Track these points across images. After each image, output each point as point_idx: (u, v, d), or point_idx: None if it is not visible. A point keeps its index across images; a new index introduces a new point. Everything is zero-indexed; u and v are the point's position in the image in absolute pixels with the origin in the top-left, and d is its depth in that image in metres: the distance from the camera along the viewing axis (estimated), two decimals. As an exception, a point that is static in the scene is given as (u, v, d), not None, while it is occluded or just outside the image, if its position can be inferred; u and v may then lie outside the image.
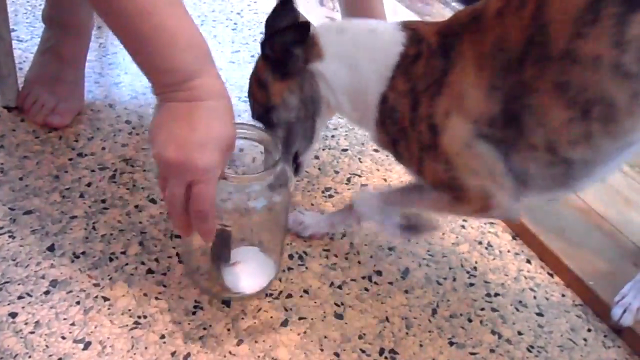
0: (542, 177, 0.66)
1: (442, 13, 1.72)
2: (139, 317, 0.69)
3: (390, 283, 0.80)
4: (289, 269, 0.80)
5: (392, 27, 0.71)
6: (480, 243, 0.90)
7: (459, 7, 1.73)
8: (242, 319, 0.71)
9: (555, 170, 0.64)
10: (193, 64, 0.58)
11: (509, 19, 0.61)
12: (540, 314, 0.80)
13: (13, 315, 0.67)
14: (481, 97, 0.63)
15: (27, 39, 1.22)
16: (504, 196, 0.66)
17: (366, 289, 0.78)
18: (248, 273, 0.73)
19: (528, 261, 0.89)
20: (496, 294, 0.82)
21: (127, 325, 0.68)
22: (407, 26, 0.70)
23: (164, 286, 0.74)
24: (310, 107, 0.74)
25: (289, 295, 0.76)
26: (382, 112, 0.70)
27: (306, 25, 0.69)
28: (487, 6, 0.63)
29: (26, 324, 0.66)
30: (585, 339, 0.77)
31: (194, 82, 0.57)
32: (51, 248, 0.76)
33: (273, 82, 0.73)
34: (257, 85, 0.74)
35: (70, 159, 0.92)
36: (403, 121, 0.68)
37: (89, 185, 0.88)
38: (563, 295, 0.84)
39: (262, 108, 0.75)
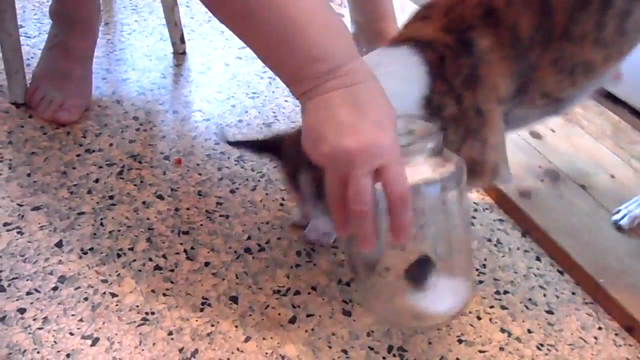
0: (538, 114, 0.81)
1: (451, 8, 1.71)
2: (147, 313, 0.69)
3: (399, 280, 0.80)
4: (297, 265, 0.79)
5: (390, 50, 0.71)
6: (489, 240, 0.90)
7: None
8: (250, 315, 0.71)
9: (549, 107, 0.79)
10: (345, 50, 0.54)
11: (518, 8, 0.68)
12: (550, 312, 0.79)
13: (22, 311, 0.67)
14: (507, 84, 0.71)
15: (35, 35, 1.22)
16: (505, 166, 0.77)
17: (374, 286, 0.78)
18: (443, 292, 0.63)
19: (538, 259, 0.88)
20: (505, 292, 0.81)
21: (134, 322, 0.68)
22: (400, 41, 0.71)
23: (172, 282, 0.73)
24: None
25: (297, 292, 0.75)
26: (428, 110, 0.69)
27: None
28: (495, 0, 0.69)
29: (35, 319, 0.66)
30: (595, 337, 0.77)
31: (347, 67, 0.53)
32: (59, 244, 0.76)
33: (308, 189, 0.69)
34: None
35: (78, 155, 0.92)
36: (451, 113, 0.70)
37: (96, 181, 0.88)
38: (573, 293, 0.83)
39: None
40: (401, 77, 0.68)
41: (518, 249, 0.89)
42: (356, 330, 0.72)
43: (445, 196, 0.58)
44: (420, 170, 0.57)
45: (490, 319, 0.76)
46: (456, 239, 0.63)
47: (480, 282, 0.82)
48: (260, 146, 0.77)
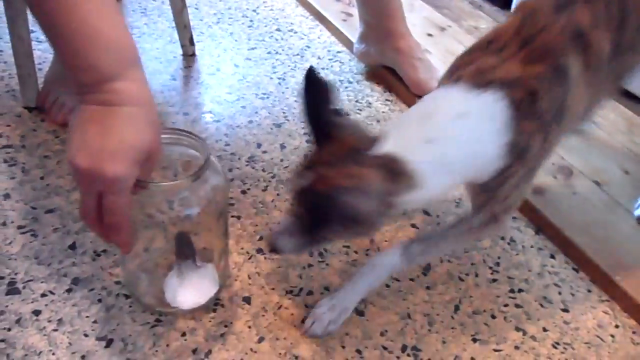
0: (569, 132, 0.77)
1: (460, 6, 1.70)
2: (160, 314, 0.69)
3: (412, 279, 0.79)
4: (309, 265, 0.79)
5: (475, 96, 0.63)
6: (502, 238, 0.89)
7: (476, 0, 1.71)
8: (263, 316, 0.71)
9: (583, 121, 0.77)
10: (113, 65, 0.54)
11: (602, 30, 0.67)
12: (565, 310, 0.78)
13: (37, 312, 0.68)
14: (584, 108, 0.71)
15: (46, 39, 1.23)
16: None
17: (387, 286, 0.78)
18: (187, 287, 0.69)
19: (552, 256, 0.87)
20: (520, 290, 0.80)
21: (148, 323, 0.68)
22: (484, 83, 0.64)
23: (185, 283, 0.74)
24: (374, 228, 0.70)
25: (310, 292, 0.75)
26: (511, 157, 0.64)
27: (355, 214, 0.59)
28: (581, 21, 0.66)
29: (49, 321, 0.67)
30: (612, 335, 0.76)
31: (114, 85, 0.54)
32: (72, 246, 0.77)
33: (330, 223, 0.62)
34: (311, 211, 0.62)
35: (90, 158, 0.93)
36: (531, 154, 0.65)
37: (108, 183, 0.88)
38: (589, 291, 0.82)
39: (308, 223, 0.63)
40: (487, 132, 0.63)
41: (532, 246, 0.88)
42: (370, 330, 0.71)
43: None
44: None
45: (505, 318, 0.76)
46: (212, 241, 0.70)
47: (494, 280, 0.81)
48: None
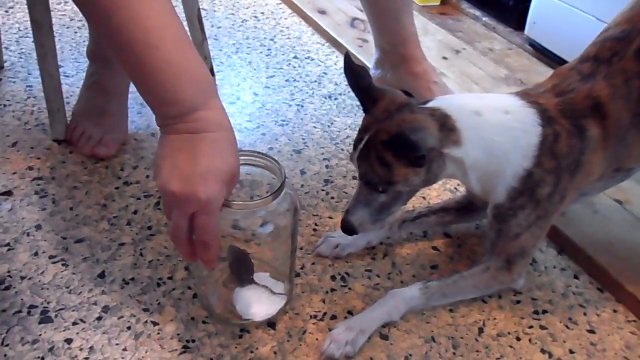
0: (603, 186, 0.84)
1: (473, 29, 1.72)
2: (188, 341, 0.71)
3: (435, 302, 0.80)
4: (332, 290, 0.80)
5: (522, 105, 0.73)
6: (524, 259, 0.89)
7: (489, 22, 1.73)
8: (288, 341, 0.72)
9: (616, 179, 0.82)
10: (196, 97, 0.59)
11: (620, 103, 0.73)
12: (591, 331, 0.78)
13: (69, 341, 0.69)
14: (601, 171, 0.77)
15: (73, 74, 1.28)
16: (527, 267, 0.82)
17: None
18: (259, 299, 0.74)
19: (576, 276, 0.87)
20: (544, 311, 0.80)
21: (176, 350, 0.69)
22: (531, 102, 0.74)
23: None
24: (432, 180, 0.74)
25: (333, 317, 0.76)
26: (525, 185, 0.73)
27: (423, 160, 0.69)
28: (600, 93, 0.73)
29: (81, 349, 0.69)
30: (641, 357, 0.75)
31: (197, 114, 0.59)
32: (102, 275, 0.79)
33: (399, 166, 0.69)
34: (380, 162, 0.69)
35: (117, 188, 0.96)
36: (542, 194, 0.73)
37: (135, 212, 0.91)
38: (615, 311, 0.81)
39: (378, 178, 0.70)
40: (518, 142, 0.72)
41: (554, 267, 0.88)
42: (394, 354, 0.72)
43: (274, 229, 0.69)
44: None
45: (530, 340, 0.75)
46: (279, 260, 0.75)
47: (518, 302, 0.81)
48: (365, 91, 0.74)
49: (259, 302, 0.74)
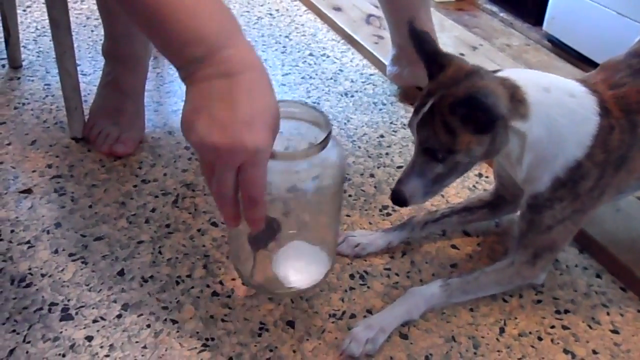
0: (638, 186, 0.81)
1: (491, 25, 1.70)
2: (207, 339, 0.71)
3: (455, 301, 0.79)
4: (351, 288, 0.80)
5: (585, 92, 0.71)
6: (545, 258, 0.88)
7: (506, 17, 1.71)
8: (307, 340, 0.72)
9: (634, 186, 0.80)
10: (221, 33, 0.53)
11: None
12: (615, 332, 0.76)
13: (89, 338, 0.70)
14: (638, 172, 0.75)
15: (90, 72, 1.29)
16: (551, 262, 0.81)
17: (430, 308, 0.77)
18: (300, 266, 0.71)
19: (598, 275, 0.85)
20: (566, 311, 0.79)
21: (196, 348, 0.69)
22: (593, 90, 0.72)
23: (229, 308, 0.75)
24: (492, 153, 0.71)
25: (352, 316, 0.75)
26: (571, 176, 0.71)
27: (506, 119, 0.66)
28: None
29: (101, 347, 0.69)
30: (666, 358, 0.73)
31: (225, 53, 0.52)
32: (121, 273, 0.79)
33: (464, 132, 0.66)
34: (444, 128, 0.67)
35: (135, 186, 0.96)
36: (584, 187, 0.71)
37: (153, 210, 0.91)
38: (639, 311, 0.80)
39: (439, 145, 0.68)
40: (578, 128, 0.70)
41: (576, 266, 0.87)
42: (414, 353, 0.71)
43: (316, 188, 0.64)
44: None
45: (552, 340, 0.74)
46: (319, 215, 0.69)
47: (539, 301, 0.80)
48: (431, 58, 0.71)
49: (301, 268, 0.70)
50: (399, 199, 0.70)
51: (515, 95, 0.68)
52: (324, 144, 0.60)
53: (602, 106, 0.70)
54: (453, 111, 0.65)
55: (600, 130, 0.70)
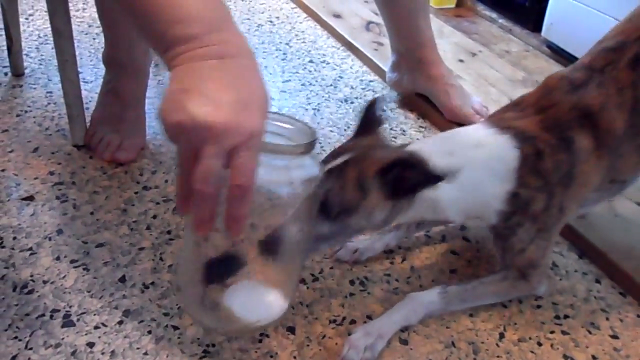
0: (598, 198, 0.83)
1: (489, 31, 1.71)
2: (208, 345, 0.71)
3: (454, 307, 0.79)
4: (351, 294, 0.80)
5: (492, 133, 0.73)
6: (545, 263, 0.88)
7: (505, 23, 1.72)
8: (307, 346, 0.72)
9: (611, 190, 0.82)
10: (216, 17, 0.50)
11: (613, 111, 0.73)
12: (615, 337, 0.77)
13: (91, 345, 0.70)
14: (598, 180, 0.76)
15: (92, 80, 1.30)
16: (547, 271, 0.83)
17: (430, 314, 0.78)
18: (257, 301, 0.64)
19: (597, 281, 0.86)
20: (566, 316, 0.79)
21: (197, 354, 0.70)
22: (503, 127, 0.74)
23: (230, 314, 0.75)
24: (385, 221, 0.70)
25: (353, 322, 0.76)
26: (514, 205, 0.73)
27: (441, 177, 0.65)
28: (590, 103, 0.73)
29: (103, 353, 0.69)
30: (665, 363, 0.73)
31: (218, 35, 0.49)
32: (122, 279, 0.80)
33: (376, 194, 0.66)
34: (356, 183, 0.66)
35: (136, 193, 0.96)
36: (535, 210, 0.73)
37: (154, 217, 0.91)
38: (638, 316, 0.80)
39: (340, 200, 0.65)
40: (495, 170, 0.72)
41: (576, 271, 0.87)
42: (414, 358, 0.71)
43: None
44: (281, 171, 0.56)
45: (552, 345, 0.75)
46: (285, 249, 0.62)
47: (539, 306, 0.80)
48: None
49: (258, 303, 0.63)
50: (271, 242, 0.60)
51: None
52: (310, 145, 0.56)
53: (521, 137, 0.72)
54: (382, 172, 0.66)
55: (525, 159, 0.71)
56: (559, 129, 0.73)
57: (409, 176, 0.66)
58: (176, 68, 0.49)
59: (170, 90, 0.49)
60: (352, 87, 1.35)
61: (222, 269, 0.61)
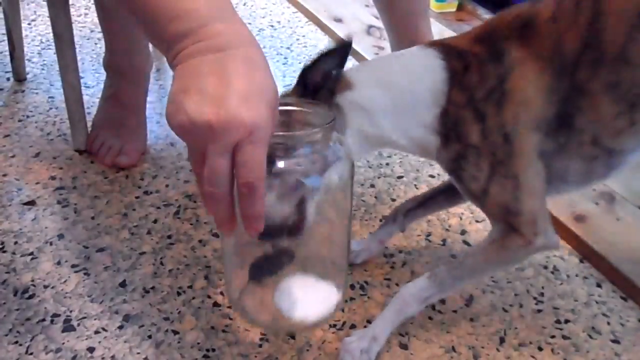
0: (582, 171, 0.70)
1: (490, 34, 1.71)
2: (208, 350, 0.71)
3: (455, 311, 0.79)
4: (351, 299, 0.80)
5: (417, 47, 0.70)
6: (545, 267, 0.88)
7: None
8: (308, 350, 0.72)
9: (597, 162, 0.69)
10: (211, 6, 0.48)
11: (564, 26, 0.64)
12: (616, 341, 0.76)
13: (91, 350, 0.70)
14: (541, 102, 0.65)
15: (94, 85, 1.30)
16: (547, 222, 0.68)
17: (430, 318, 0.77)
18: (307, 299, 0.64)
19: (598, 285, 0.85)
20: (567, 321, 0.79)
21: (197, 359, 0.70)
22: (430, 45, 0.69)
23: (230, 319, 0.75)
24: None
25: (353, 326, 0.76)
26: (445, 125, 0.67)
27: (348, 43, 0.63)
28: (538, 13, 0.66)
29: (103, 358, 0.69)
30: (667, 367, 0.73)
31: (217, 27, 0.47)
32: (123, 284, 0.80)
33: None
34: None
35: (137, 197, 0.97)
36: (471, 135, 0.66)
37: (155, 221, 0.91)
38: None
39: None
40: (422, 82, 0.67)
41: (577, 275, 0.87)
42: (414, 363, 0.71)
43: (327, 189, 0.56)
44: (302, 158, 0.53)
45: (552, 350, 0.74)
46: (331, 238, 0.60)
47: (539, 311, 0.80)
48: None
49: (308, 300, 0.61)
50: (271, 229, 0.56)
51: (336, 76, 0.67)
52: (331, 125, 0.52)
53: (449, 51, 0.67)
54: (300, 84, 0.67)
55: (453, 73, 0.66)
56: (493, 39, 0.66)
57: (314, 77, 0.65)
58: (177, 67, 0.48)
59: (172, 92, 0.48)
60: (352, 91, 1.35)
61: (269, 266, 0.60)
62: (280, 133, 0.51)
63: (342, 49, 0.66)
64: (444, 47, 0.68)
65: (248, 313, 0.63)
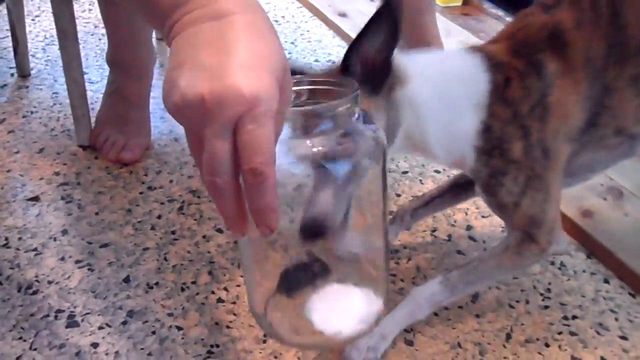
0: (608, 158, 0.74)
1: (495, 28, 1.69)
2: (212, 346, 0.71)
3: (460, 307, 0.78)
4: (356, 295, 0.79)
5: (463, 52, 0.67)
6: (552, 263, 0.87)
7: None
8: (312, 346, 0.71)
9: (621, 148, 0.71)
10: None
11: (589, 32, 0.65)
12: (624, 338, 0.75)
13: (95, 345, 0.70)
14: (578, 112, 0.66)
15: (98, 80, 1.30)
16: (560, 229, 0.70)
17: (436, 314, 0.77)
18: (343, 310, 0.52)
19: (606, 281, 0.84)
20: (574, 317, 0.78)
21: (200, 355, 0.70)
22: (474, 50, 0.67)
23: (234, 315, 0.75)
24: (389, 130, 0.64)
25: (358, 322, 0.75)
26: (488, 141, 0.65)
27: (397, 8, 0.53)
28: (561, 20, 0.65)
29: (107, 354, 0.69)
30: (676, 364, 0.72)
31: None
32: (127, 279, 0.79)
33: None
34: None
35: (141, 193, 0.96)
36: (514, 152, 0.65)
37: (159, 217, 0.91)
38: (648, 317, 0.79)
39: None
40: (466, 91, 0.64)
41: (584, 271, 0.86)
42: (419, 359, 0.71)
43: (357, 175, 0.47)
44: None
45: (560, 346, 0.74)
46: (365, 238, 0.52)
47: (546, 307, 0.79)
48: None
49: (345, 310, 0.51)
50: (313, 227, 0.51)
51: (396, 70, 0.62)
52: (355, 97, 0.44)
53: (491, 62, 0.65)
54: (344, 70, 0.58)
55: (495, 86, 0.64)
56: (529, 52, 0.65)
57: (372, 48, 0.56)
58: (173, 41, 0.42)
59: (167, 69, 0.41)
60: (357, 86, 1.34)
61: (305, 276, 0.51)
62: (296, 108, 0.43)
63: (391, 19, 0.54)
64: (486, 57, 0.66)
65: (276, 329, 0.52)
